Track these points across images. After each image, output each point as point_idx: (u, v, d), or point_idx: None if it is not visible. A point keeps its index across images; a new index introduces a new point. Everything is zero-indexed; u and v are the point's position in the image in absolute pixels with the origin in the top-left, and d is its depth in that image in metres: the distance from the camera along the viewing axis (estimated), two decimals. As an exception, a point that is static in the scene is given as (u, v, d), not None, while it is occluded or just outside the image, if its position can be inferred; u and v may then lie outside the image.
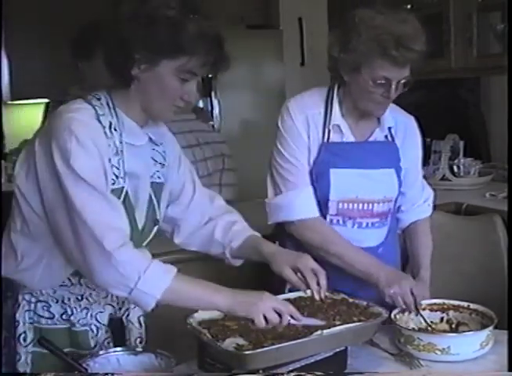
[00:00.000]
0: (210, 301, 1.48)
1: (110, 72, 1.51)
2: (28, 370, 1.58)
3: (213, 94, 4.46)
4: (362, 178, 1.94)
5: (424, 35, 1.80)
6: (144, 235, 1.63)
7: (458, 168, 3.39)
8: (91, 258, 1.43)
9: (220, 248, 1.75)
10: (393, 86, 1.82)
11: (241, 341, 1.47)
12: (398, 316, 1.75)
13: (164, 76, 1.47)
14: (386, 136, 2.00)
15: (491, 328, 1.66)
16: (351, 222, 1.96)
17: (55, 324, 1.61)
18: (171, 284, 1.44)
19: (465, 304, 1.78)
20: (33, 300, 1.60)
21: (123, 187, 1.52)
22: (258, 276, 2.01)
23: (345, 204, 1.94)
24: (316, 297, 1.61)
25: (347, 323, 1.55)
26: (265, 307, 1.45)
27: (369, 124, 1.98)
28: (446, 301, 1.81)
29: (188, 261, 2.28)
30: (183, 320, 1.54)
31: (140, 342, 1.71)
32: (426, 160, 3.36)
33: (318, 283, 1.62)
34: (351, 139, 1.96)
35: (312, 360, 1.49)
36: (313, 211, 1.94)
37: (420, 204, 2.13)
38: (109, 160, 1.48)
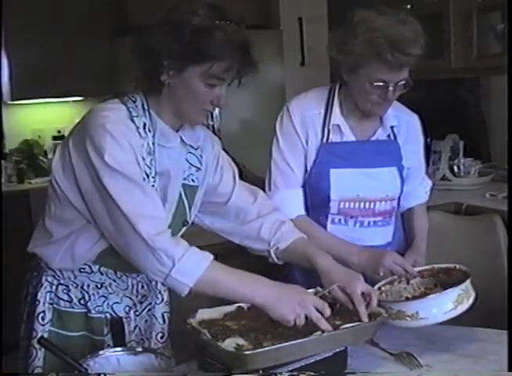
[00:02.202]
0: (245, 294, 1.52)
1: (142, 78, 1.56)
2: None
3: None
4: (363, 177, 1.95)
5: (423, 38, 1.79)
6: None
7: (458, 168, 3.39)
8: (131, 245, 1.49)
9: (265, 246, 1.78)
10: (390, 88, 1.82)
11: (241, 341, 1.47)
12: (383, 288, 1.77)
13: (191, 81, 1.52)
14: (388, 135, 2.00)
15: (462, 286, 1.66)
16: (352, 221, 1.97)
17: (73, 308, 1.67)
18: (205, 273, 1.48)
19: (452, 265, 1.80)
20: (55, 282, 1.67)
21: (153, 185, 1.57)
22: (265, 274, 2.00)
23: (346, 203, 1.94)
24: (364, 320, 1.56)
25: (348, 323, 1.55)
26: (307, 303, 1.49)
27: (371, 124, 1.98)
28: (436, 266, 1.83)
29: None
30: (183, 320, 1.54)
31: (161, 337, 1.75)
32: (426, 160, 3.37)
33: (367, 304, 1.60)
34: (352, 138, 1.96)
35: (312, 360, 1.48)
36: (293, 212, 1.94)
37: (418, 191, 2.15)
38: (143, 158, 1.53)
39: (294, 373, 1.43)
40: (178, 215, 1.66)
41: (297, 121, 1.94)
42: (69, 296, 1.67)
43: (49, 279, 1.67)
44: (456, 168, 3.39)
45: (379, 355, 1.65)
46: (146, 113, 1.57)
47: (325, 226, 1.97)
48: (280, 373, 1.43)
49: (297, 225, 1.89)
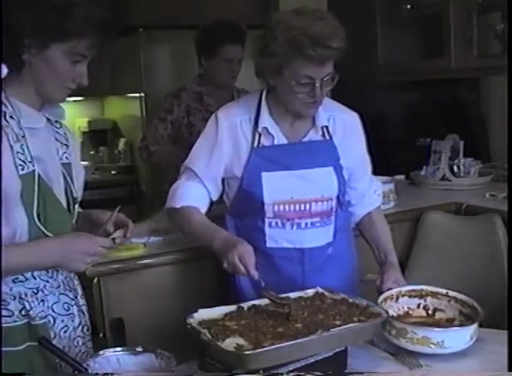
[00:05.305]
0: (34, 263, 1.53)
1: (3, 58, 1.51)
2: None
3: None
4: (296, 179, 1.92)
5: (343, 32, 1.78)
6: (72, 214, 1.67)
7: (458, 168, 3.39)
8: None
9: None
10: (317, 85, 1.81)
11: (241, 341, 1.47)
12: (384, 305, 1.74)
13: (54, 59, 1.52)
14: (323, 135, 1.98)
15: (478, 322, 1.66)
16: (289, 223, 1.94)
17: (15, 321, 1.58)
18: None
19: (443, 291, 1.79)
20: None
21: (34, 170, 1.54)
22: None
23: (281, 206, 1.92)
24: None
25: (347, 323, 1.55)
26: (95, 248, 1.54)
27: (304, 125, 1.97)
28: (424, 288, 1.82)
29: (188, 261, 2.29)
30: (183, 320, 1.54)
31: (87, 330, 1.72)
32: (426, 160, 3.37)
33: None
34: (284, 141, 1.94)
35: (312, 360, 1.49)
36: (180, 202, 1.97)
37: (369, 195, 2.12)
38: (11, 147, 1.50)
39: (301, 373, 1.42)
40: (68, 194, 1.65)
41: (224, 127, 1.94)
42: (9, 310, 1.57)
43: None
44: (456, 168, 3.38)
45: (379, 355, 1.65)
46: (5, 100, 1.53)
47: (263, 230, 1.95)
48: (287, 373, 1.43)
49: (179, 213, 1.96)
